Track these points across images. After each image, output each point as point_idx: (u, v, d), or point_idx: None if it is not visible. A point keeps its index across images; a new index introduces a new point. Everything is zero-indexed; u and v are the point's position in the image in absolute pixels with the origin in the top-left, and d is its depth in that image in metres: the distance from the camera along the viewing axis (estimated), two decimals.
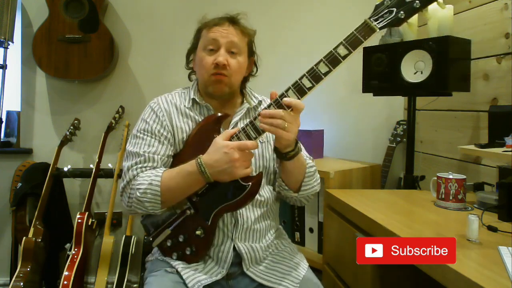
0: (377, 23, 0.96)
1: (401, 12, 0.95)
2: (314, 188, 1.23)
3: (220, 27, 1.18)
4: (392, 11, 0.96)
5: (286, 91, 1.00)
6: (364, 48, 1.80)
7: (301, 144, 1.15)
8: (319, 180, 1.26)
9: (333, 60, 0.97)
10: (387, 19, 0.96)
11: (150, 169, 1.12)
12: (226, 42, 1.17)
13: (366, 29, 0.96)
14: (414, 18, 1.72)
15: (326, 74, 0.97)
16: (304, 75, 0.99)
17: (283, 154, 1.09)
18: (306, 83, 0.98)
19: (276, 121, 0.99)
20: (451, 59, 1.55)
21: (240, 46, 1.19)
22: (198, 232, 1.11)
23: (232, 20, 1.21)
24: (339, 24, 2.38)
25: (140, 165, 1.12)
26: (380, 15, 0.96)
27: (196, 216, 1.12)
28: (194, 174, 1.04)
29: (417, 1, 0.94)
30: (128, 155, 1.16)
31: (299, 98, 0.99)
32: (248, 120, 1.07)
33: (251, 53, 1.27)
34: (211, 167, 1.03)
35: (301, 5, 2.39)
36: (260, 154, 1.22)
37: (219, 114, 1.17)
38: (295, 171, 1.17)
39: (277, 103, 1.01)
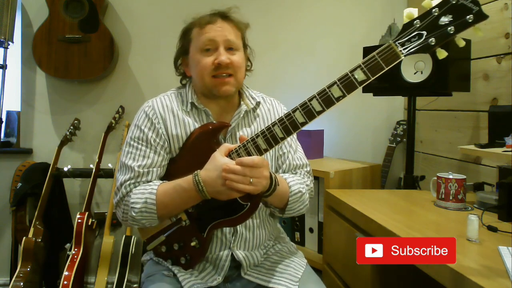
0: (403, 49, 0.84)
1: (432, 38, 0.81)
2: (299, 211, 1.19)
3: (214, 25, 1.11)
4: (422, 35, 0.82)
5: (294, 111, 0.93)
6: (364, 48, 1.80)
7: (277, 179, 1.06)
8: (307, 203, 1.20)
9: (348, 84, 0.87)
10: (415, 44, 0.83)
11: (143, 183, 1.09)
12: (224, 40, 1.10)
13: (389, 54, 0.84)
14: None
15: (339, 99, 0.88)
16: (314, 96, 0.91)
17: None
18: (316, 106, 0.91)
19: (236, 177, 0.93)
20: (451, 59, 1.54)
21: (237, 42, 1.13)
22: (193, 244, 1.09)
23: (225, 16, 1.14)
24: (339, 23, 2.39)
25: (133, 181, 1.08)
26: (407, 38, 0.84)
27: (192, 227, 1.09)
28: (191, 191, 1.00)
29: (451, 26, 0.80)
30: (121, 167, 1.11)
31: (306, 122, 0.92)
32: (250, 137, 1.00)
33: (245, 47, 1.20)
34: (209, 185, 0.98)
35: (300, 4, 2.38)
36: None
37: (215, 122, 1.12)
38: (274, 201, 1.14)
39: (245, 148, 0.98)
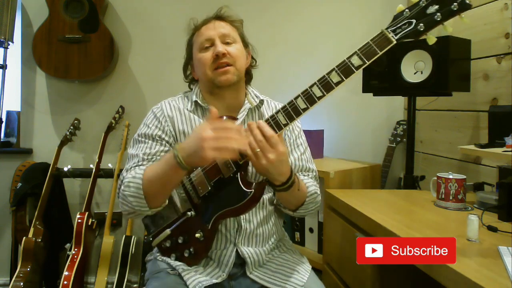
0: (394, 35, 0.91)
1: (421, 24, 0.90)
2: (311, 212, 1.21)
3: (209, 25, 1.20)
4: (411, 22, 0.91)
5: (296, 98, 0.96)
6: None
7: (298, 179, 1.08)
8: (318, 204, 1.22)
9: (345, 70, 0.93)
10: (405, 30, 0.91)
11: None
12: (219, 35, 1.18)
13: (382, 40, 0.92)
14: None
15: (337, 84, 0.93)
16: (315, 83, 0.95)
17: (272, 185, 1.04)
18: (317, 91, 0.94)
19: (249, 138, 0.95)
20: (451, 59, 1.55)
21: (233, 35, 1.20)
22: (197, 235, 1.09)
23: (218, 17, 1.23)
24: (338, 22, 2.39)
25: (135, 165, 1.12)
26: (398, 26, 0.92)
27: (197, 218, 1.11)
28: (170, 159, 0.99)
29: (438, 14, 0.88)
30: (128, 158, 1.17)
31: (308, 107, 0.95)
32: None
33: (245, 44, 1.27)
34: (182, 150, 0.96)
35: (300, 4, 2.38)
36: None
37: (221, 116, 1.11)
38: (291, 199, 1.14)
39: (268, 123, 0.99)
